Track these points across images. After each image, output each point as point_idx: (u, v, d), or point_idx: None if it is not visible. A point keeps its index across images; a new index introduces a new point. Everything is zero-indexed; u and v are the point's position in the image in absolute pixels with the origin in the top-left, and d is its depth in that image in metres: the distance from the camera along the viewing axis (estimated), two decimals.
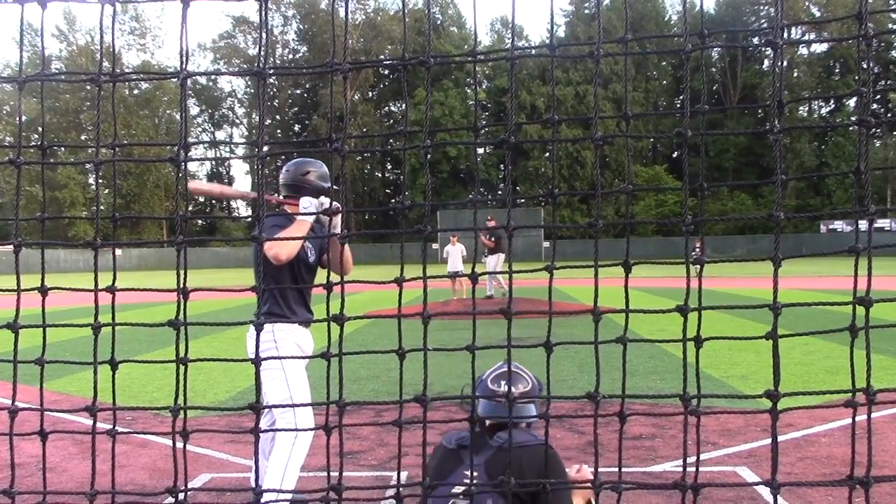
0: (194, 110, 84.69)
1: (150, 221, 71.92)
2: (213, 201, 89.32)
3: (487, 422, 3.08)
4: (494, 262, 19.81)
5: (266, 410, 4.40)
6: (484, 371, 3.18)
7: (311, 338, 4.38)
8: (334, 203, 4.03)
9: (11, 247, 2.05)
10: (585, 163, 73.64)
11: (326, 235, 3.92)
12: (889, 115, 64.56)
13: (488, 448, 2.90)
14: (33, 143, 2.18)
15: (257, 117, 2.02)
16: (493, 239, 19.71)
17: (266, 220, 4.44)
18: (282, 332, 4.13)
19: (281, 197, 4.40)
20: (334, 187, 4.17)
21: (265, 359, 2.15)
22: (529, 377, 3.16)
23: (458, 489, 2.84)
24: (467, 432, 3.02)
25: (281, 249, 3.87)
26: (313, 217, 4.13)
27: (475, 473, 2.83)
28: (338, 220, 4.07)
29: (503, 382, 3.07)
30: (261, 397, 2.09)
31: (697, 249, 32.29)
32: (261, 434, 2.04)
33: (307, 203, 4.12)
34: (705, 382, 7.89)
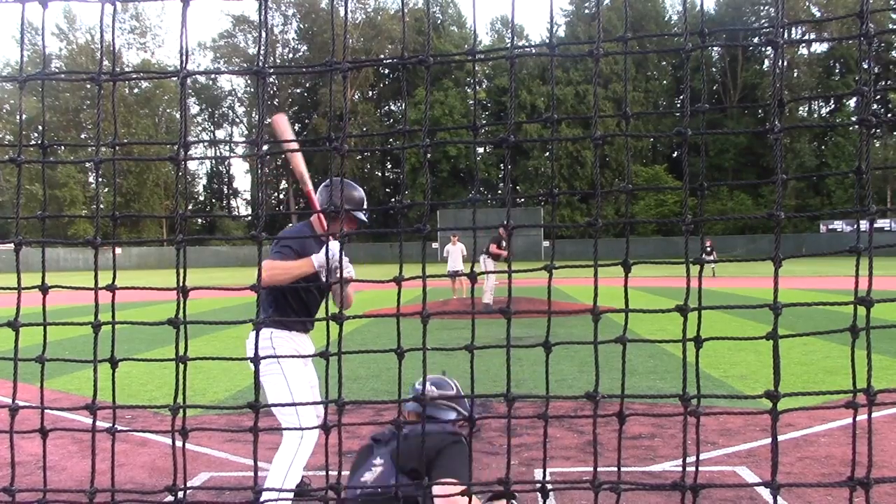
0: (194, 109, 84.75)
1: (149, 220, 72.00)
2: (213, 200, 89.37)
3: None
4: (492, 266, 19.47)
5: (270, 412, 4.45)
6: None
7: (311, 343, 4.38)
8: (347, 271, 3.88)
9: (12, 245, 2.05)
10: (585, 162, 73.67)
11: (325, 234, 3.88)
12: (889, 115, 64.60)
13: (395, 439, 3.25)
14: (34, 142, 2.18)
15: (257, 116, 2.02)
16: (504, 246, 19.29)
17: (290, 228, 4.42)
18: (279, 339, 4.14)
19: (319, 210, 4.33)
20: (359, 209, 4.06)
21: (264, 357, 2.15)
22: (455, 386, 3.62)
23: (367, 476, 3.19)
24: (388, 431, 3.45)
25: (269, 276, 3.82)
26: (321, 265, 3.94)
27: (381, 460, 3.24)
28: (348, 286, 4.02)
29: (429, 384, 3.55)
30: (260, 396, 2.09)
31: (709, 248, 32.37)
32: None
33: (330, 252, 3.87)
34: (705, 382, 7.89)
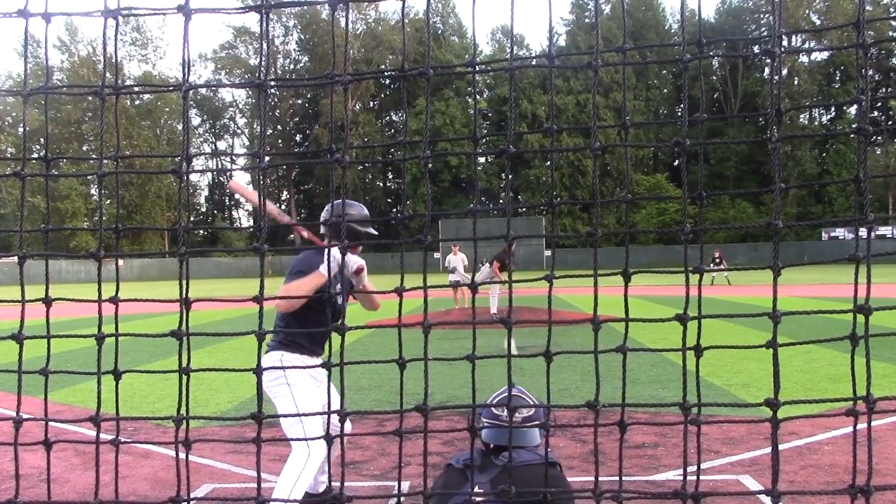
0: (195, 120, 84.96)
1: (151, 232, 72.13)
2: (215, 211, 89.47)
3: (491, 444, 3.12)
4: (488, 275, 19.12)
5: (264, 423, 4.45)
6: (489, 395, 3.23)
7: (323, 371, 4.37)
8: (358, 261, 4.12)
9: (15, 258, 2.06)
10: (586, 171, 73.66)
11: (325, 247, 3.89)
12: (889, 122, 64.59)
13: (493, 467, 2.94)
14: (36, 155, 2.20)
15: (258, 128, 2.03)
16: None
17: (299, 257, 4.51)
18: (290, 362, 4.15)
19: (318, 234, 4.46)
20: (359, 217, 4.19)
21: (266, 369, 2.15)
22: (532, 401, 3.17)
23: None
24: (475, 452, 3.04)
25: (285, 301, 3.99)
26: (332, 271, 4.05)
27: (481, 490, 2.87)
28: (363, 276, 4.19)
29: (505, 409, 3.07)
30: (263, 408, 2.09)
31: (717, 258, 32.33)
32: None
33: (332, 258, 4.03)
34: (707, 391, 7.88)
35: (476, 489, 2.90)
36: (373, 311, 3.35)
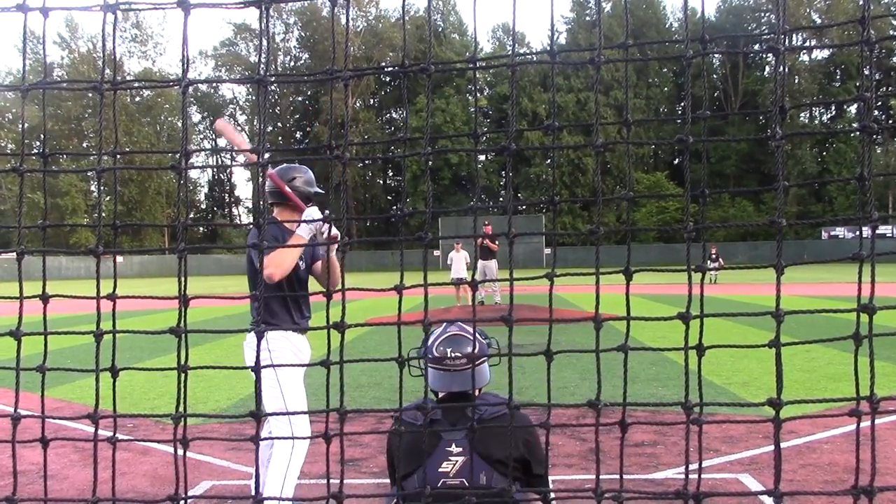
0: (195, 117, 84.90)
1: (151, 228, 72.13)
2: (215, 208, 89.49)
3: (440, 394, 2.85)
4: (494, 267, 20.10)
5: (264, 419, 4.44)
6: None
7: (307, 344, 4.35)
8: (332, 229, 4.03)
9: (14, 254, 2.05)
10: (587, 169, 73.73)
11: (325, 243, 3.89)
12: (890, 121, 64.57)
13: (466, 420, 2.63)
14: (35, 151, 2.18)
15: (258, 124, 2.02)
16: (497, 243, 19.93)
17: (256, 232, 4.44)
18: (275, 342, 4.08)
19: (273, 202, 4.40)
20: (338, 197, 4.12)
21: (265, 367, 2.14)
22: (475, 337, 2.73)
23: (446, 467, 2.63)
24: (431, 405, 2.89)
25: (276, 270, 3.88)
26: (310, 232, 4.06)
27: (459, 448, 2.65)
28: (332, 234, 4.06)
29: (449, 350, 2.79)
30: (261, 405, 2.09)
31: (713, 255, 32.31)
32: (260, 442, 2.03)
33: (309, 218, 4.08)
34: (707, 389, 7.85)
35: (454, 448, 2.65)
36: (334, 286, 3.30)
